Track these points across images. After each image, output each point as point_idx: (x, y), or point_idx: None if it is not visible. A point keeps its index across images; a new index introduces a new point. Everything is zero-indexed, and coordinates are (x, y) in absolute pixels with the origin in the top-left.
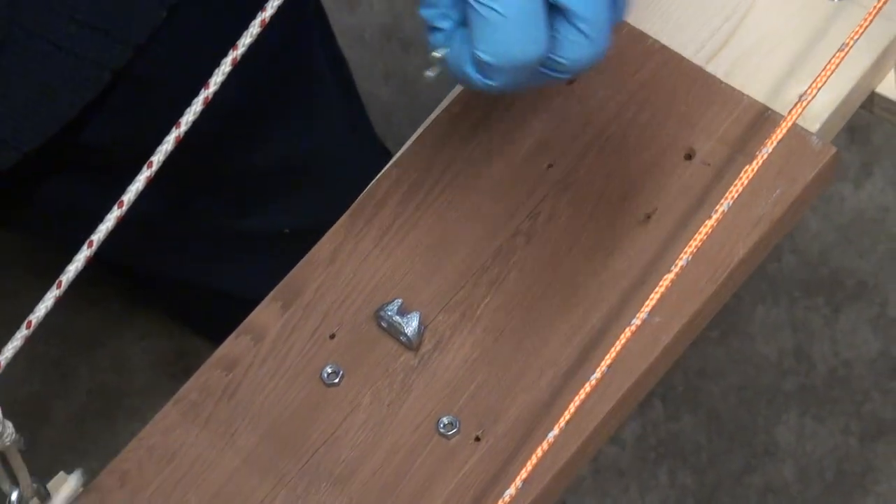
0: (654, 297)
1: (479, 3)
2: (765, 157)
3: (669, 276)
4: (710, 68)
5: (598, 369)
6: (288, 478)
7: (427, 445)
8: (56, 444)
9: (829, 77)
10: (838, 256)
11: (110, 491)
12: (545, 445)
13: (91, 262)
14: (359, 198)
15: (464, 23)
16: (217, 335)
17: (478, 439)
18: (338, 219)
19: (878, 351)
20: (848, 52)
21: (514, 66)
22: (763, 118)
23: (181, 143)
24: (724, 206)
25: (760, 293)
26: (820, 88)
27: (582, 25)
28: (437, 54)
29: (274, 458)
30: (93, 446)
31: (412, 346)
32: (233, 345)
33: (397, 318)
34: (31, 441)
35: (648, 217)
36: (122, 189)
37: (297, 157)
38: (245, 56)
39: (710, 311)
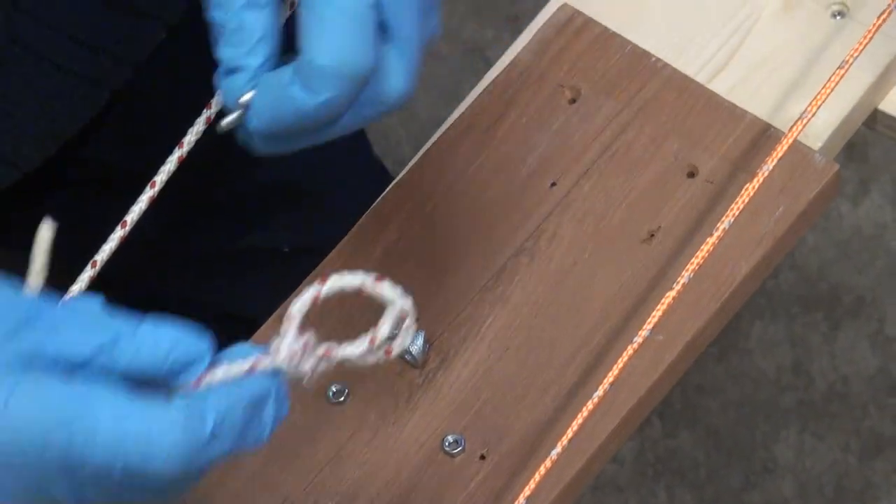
0: (657, 315)
1: (315, 3)
2: (766, 174)
3: (672, 294)
4: (712, 86)
5: (601, 387)
6: (293, 497)
7: (432, 464)
8: None
9: (829, 95)
10: (836, 273)
11: None
12: (548, 463)
13: (93, 281)
14: (363, 216)
15: (270, 58)
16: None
17: (483, 457)
18: (337, 237)
19: (876, 367)
20: (847, 69)
21: (344, 71)
22: (766, 136)
23: (182, 163)
24: (725, 223)
25: (759, 309)
26: (820, 106)
27: (404, 46)
28: (242, 100)
29: (279, 477)
30: None
31: (417, 364)
32: None
33: None
34: None
35: (652, 235)
36: (123, 206)
37: (297, 176)
38: None
39: (714, 330)
